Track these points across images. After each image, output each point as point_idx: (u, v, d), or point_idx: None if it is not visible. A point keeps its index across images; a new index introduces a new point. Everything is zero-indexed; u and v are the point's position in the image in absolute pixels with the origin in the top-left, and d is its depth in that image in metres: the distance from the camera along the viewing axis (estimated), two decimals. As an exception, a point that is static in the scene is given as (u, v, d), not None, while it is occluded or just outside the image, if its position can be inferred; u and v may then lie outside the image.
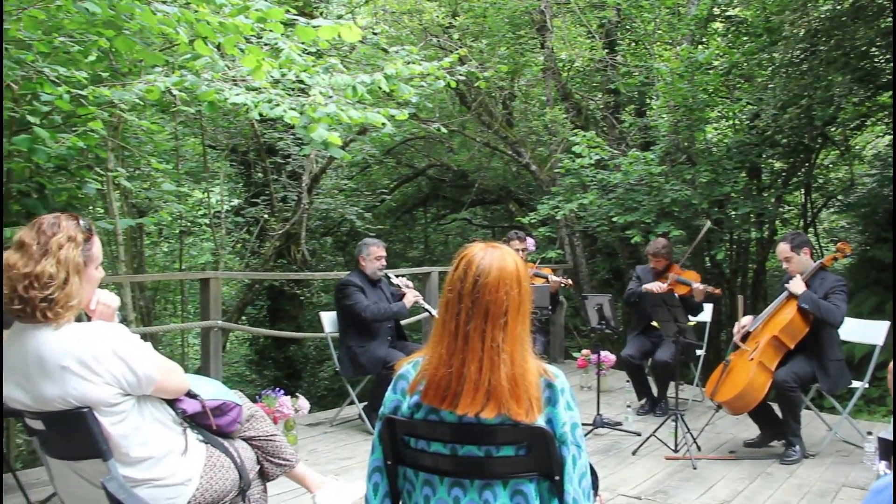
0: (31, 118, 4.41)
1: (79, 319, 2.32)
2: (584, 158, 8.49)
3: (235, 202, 11.45)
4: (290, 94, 4.62)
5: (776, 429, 5.11)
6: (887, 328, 5.10)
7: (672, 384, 5.35)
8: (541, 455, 1.86)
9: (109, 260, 6.93)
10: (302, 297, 11.16)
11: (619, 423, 5.76)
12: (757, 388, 4.80)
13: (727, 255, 9.26)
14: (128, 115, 5.35)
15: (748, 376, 4.79)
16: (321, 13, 9.30)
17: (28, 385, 2.24)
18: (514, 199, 12.82)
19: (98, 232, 2.45)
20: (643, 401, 6.31)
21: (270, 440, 2.90)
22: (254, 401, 4.25)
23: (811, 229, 10.22)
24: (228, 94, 4.31)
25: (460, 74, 6.85)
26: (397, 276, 5.92)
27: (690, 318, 6.28)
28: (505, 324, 1.86)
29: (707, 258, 9.00)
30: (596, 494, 2.06)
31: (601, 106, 11.11)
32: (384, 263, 5.78)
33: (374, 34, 8.54)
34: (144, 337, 2.51)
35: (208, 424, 2.61)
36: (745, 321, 5.15)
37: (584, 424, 4.67)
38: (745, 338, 5.10)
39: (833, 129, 8.95)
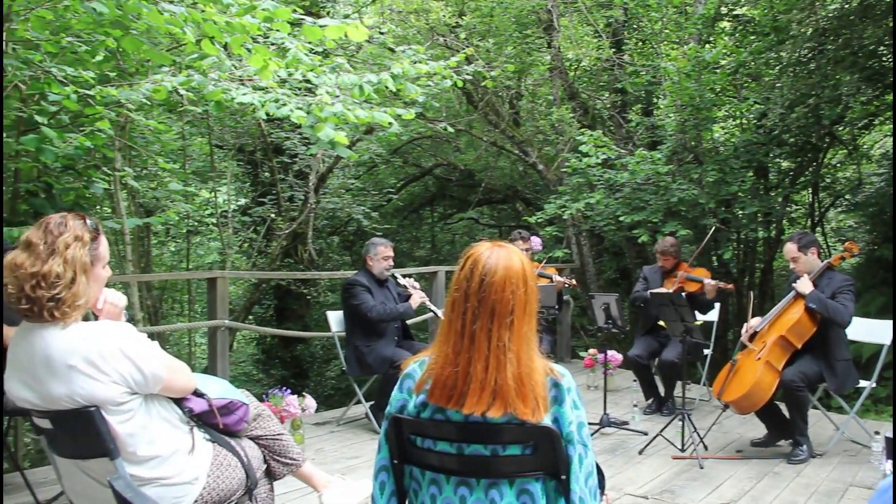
0: (38, 118, 4.43)
1: (86, 318, 2.33)
2: (590, 158, 8.48)
3: (242, 202, 11.47)
4: (296, 94, 4.63)
5: (783, 428, 5.10)
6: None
7: (679, 383, 5.34)
8: (547, 454, 1.86)
9: (116, 259, 6.94)
10: (309, 297, 11.17)
11: (626, 423, 5.75)
12: (764, 387, 4.79)
13: (734, 255, 9.24)
14: (135, 115, 5.36)
15: (755, 376, 4.78)
16: (328, 13, 9.31)
17: (35, 384, 2.25)
18: (520, 198, 12.80)
19: (105, 231, 2.46)
20: (650, 400, 6.30)
21: (277, 439, 2.91)
22: (261, 400, 4.26)
23: (818, 229, 10.19)
24: (235, 93, 4.32)
25: (467, 74, 6.86)
26: (404, 277, 5.92)
27: (699, 316, 6.28)
28: (511, 323, 1.85)
29: (714, 258, 8.98)
30: (602, 494, 2.05)
31: (608, 105, 11.09)
32: (391, 264, 5.78)
33: (381, 34, 8.56)
34: (151, 336, 2.52)
35: (215, 423, 2.61)
36: (754, 322, 5.14)
37: (590, 424, 4.67)
38: (752, 337, 5.09)
39: (841, 129, 8.93)
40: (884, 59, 7.62)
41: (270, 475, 2.90)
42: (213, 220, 10.02)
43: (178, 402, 2.50)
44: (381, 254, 5.69)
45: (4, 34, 4.16)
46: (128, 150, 6.59)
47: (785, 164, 9.38)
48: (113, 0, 3.77)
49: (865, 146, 10.50)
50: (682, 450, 5.05)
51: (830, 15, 7.63)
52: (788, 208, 9.42)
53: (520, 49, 10.45)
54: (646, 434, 5.44)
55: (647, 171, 8.27)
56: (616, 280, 11.51)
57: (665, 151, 8.61)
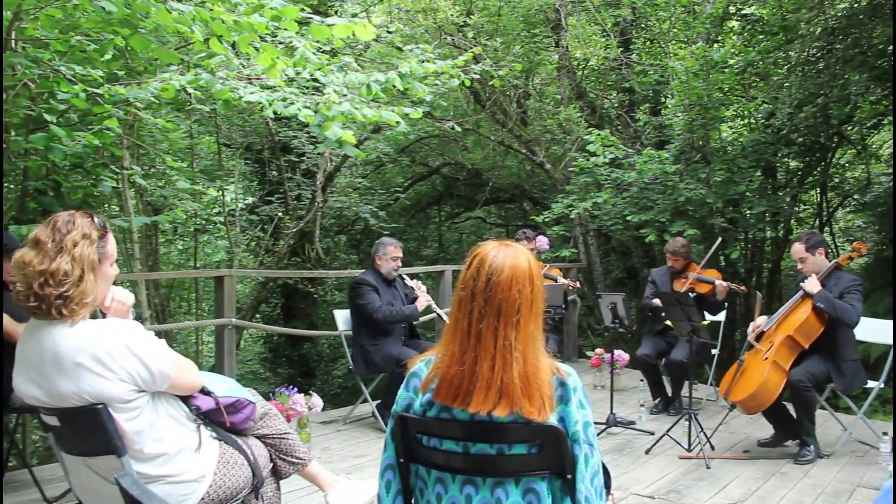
0: (47, 116, 4.45)
1: (94, 316, 2.34)
2: (598, 157, 8.47)
3: (250, 200, 11.49)
4: (304, 93, 4.63)
5: (790, 428, 5.08)
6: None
7: (686, 383, 5.33)
8: (553, 453, 1.86)
9: (124, 257, 6.97)
10: (316, 296, 11.19)
11: (633, 422, 5.74)
12: (771, 387, 4.78)
13: (742, 255, 9.22)
14: (143, 114, 5.39)
15: (762, 376, 4.77)
16: (336, 11, 9.31)
17: (43, 381, 2.26)
18: (528, 197, 12.79)
19: (113, 229, 2.47)
20: (657, 400, 6.29)
21: (284, 438, 2.91)
22: (267, 398, 4.26)
23: (827, 228, 10.15)
24: (243, 92, 4.33)
25: (475, 73, 6.84)
26: (411, 279, 5.93)
27: (709, 316, 6.27)
28: (517, 322, 1.85)
29: (722, 257, 8.95)
30: (608, 493, 2.05)
31: (616, 104, 11.08)
32: (399, 265, 5.79)
33: (389, 32, 8.55)
34: (159, 334, 2.52)
35: (222, 422, 2.62)
36: (760, 321, 5.12)
37: (597, 423, 4.67)
38: (759, 337, 5.07)
39: (849, 128, 8.90)
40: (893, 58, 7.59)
41: (276, 474, 2.90)
42: (221, 219, 10.04)
43: (186, 400, 2.51)
44: (390, 254, 5.70)
45: (14, 33, 4.18)
46: (136, 149, 6.61)
47: (793, 163, 9.35)
48: (121, -1, 3.79)
49: (874, 146, 10.46)
50: (689, 450, 5.04)
51: (839, 14, 7.60)
52: (796, 208, 9.39)
53: (527, 48, 10.44)
54: (652, 434, 5.43)
55: (654, 171, 8.26)
56: (623, 279, 11.50)
57: (673, 151, 8.59)
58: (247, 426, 2.74)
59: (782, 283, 9.85)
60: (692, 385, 5.31)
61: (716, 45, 9.16)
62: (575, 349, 8.98)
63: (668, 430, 5.23)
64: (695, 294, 6.06)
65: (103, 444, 2.27)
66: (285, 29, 4.22)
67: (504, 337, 1.83)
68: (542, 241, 7.52)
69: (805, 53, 8.04)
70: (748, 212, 8.28)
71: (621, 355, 6.95)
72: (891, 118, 8.67)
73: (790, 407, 5.07)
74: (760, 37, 8.47)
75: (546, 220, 9.23)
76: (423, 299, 5.74)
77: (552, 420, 1.85)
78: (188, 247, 11.71)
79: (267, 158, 10.90)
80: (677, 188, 8.12)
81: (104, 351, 2.22)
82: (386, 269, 5.71)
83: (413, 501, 2.01)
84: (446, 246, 15.09)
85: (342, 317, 5.91)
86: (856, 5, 7.46)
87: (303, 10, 4.15)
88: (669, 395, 6.25)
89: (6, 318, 3.87)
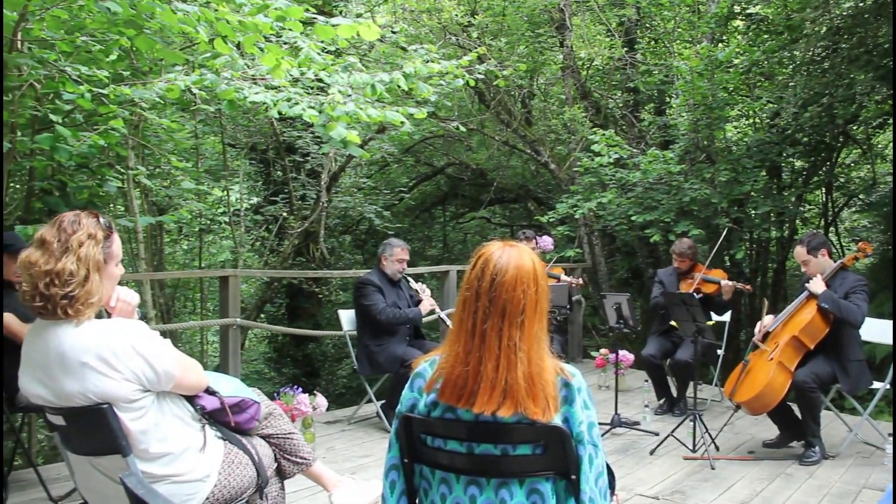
0: (53, 117, 4.45)
1: (99, 316, 2.35)
2: (603, 157, 8.47)
3: (255, 200, 11.50)
4: (309, 93, 4.64)
5: (795, 429, 5.07)
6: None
7: (691, 384, 5.32)
8: (557, 454, 1.86)
9: (129, 257, 6.99)
10: (320, 295, 11.19)
11: (637, 423, 5.74)
12: (776, 388, 4.77)
13: (747, 255, 9.20)
14: (148, 114, 5.40)
15: (767, 376, 4.76)
16: (340, 12, 9.32)
17: (49, 381, 2.26)
18: (532, 197, 12.79)
19: (118, 229, 2.47)
20: (662, 400, 6.28)
21: (288, 438, 2.92)
22: (272, 398, 4.27)
23: (832, 229, 10.13)
24: (248, 92, 4.34)
25: (479, 73, 6.85)
26: (416, 281, 5.93)
27: (715, 316, 6.26)
28: (522, 322, 1.85)
29: (727, 257, 8.94)
30: (613, 494, 2.05)
31: (620, 104, 11.07)
32: (405, 267, 5.79)
33: (393, 33, 8.55)
34: (164, 334, 2.53)
35: (226, 421, 2.62)
36: (766, 321, 5.11)
37: (601, 424, 4.65)
38: (764, 338, 5.06)
39: (855, 128, 8.88)
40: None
41: (281, 474, 2.91)
42: (226, 219, 10.05)
43: (190, 399, 2.52)
44: (396, 255, 5.71)
45: (20, 34, 4.19)
46: (141, 149, 6.63)
47: (798, 163, 9.33)
48: (127, 0, 3.79)
49: (880, 145, 10.43)
50: (694, 450, 5.03)
51: (845, 13, 7.59)
52: (801, 208, 9.37)
53: (532, 48, 10.44)
54: (657, 434, 5.43)
55: (659, 171, 8.25)
56: (628, 280, 11.49)
57: (677, 151, 8.58)
58: (251, 426, 2.75)
59: (787, 283, 9.83)
60: (697, 386, 5.31)
61: (720, 44, 9.14)
62: (579, 349, 8.97)
63: (672, 431, 5.22)
64: (701, 294, 6.05)
65: (108, 444, 2.28)
66: (290, 29, 4.22)
67: (508, 337, 1.83)
68: (547, 241, 7.52)
69: (810, 53, 8.03)
70: (753, 212, 8.27)
71: (626, 356, 6.94)
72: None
73: (795, 408, 5.06)
74: (765, 36, 8.46)
75: (550, 220, 9.23)
76: (427, 303, 5.75)
77: (556, 421, 1.85)
78: (193, 247, 11.73)
79: (272, 158, 10.91)
80: (682, 188, 8.11)
81: (109, 351, 2.23)
82: (391, 271, 5.71)
83: (417, 502, 2.01)
84: (451, 246, 15.09)
85: (347, 317, 5.92)
86: (861, 4, 7.44)
87: (307, 10, 4.16)
88: (674, 395, 6.24)
89: (13, 318, 3.89)
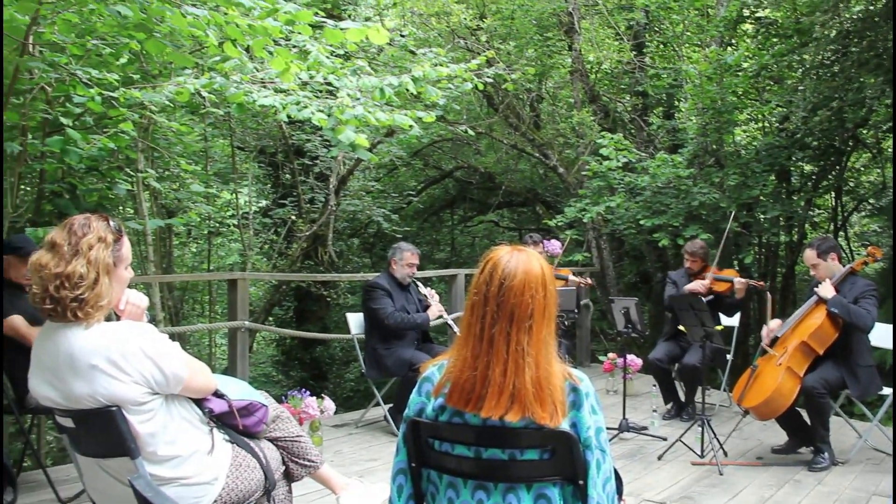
0: (63, 120, 4.48)
1: (108, 319, 2.35)
2: (611, 161, 8.46)
3: (263, 203, 11.53)
4: (318, 96, 4.65)
5: (804, 435, 5.05)
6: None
7: (699, 389, 5.31)
8: (565, 459, 1.85)
9: (139, 260, 7.01)
10: (328, 299, 11.21)
11: (645, 428, 5.72)
12: (785, 393, 4.74)
13: (756, 259, 9.17)
14: (158, 117, 5.42)
15: (776, 382, 4.74)
16: (349, 15, 9.35)
17: (58, 383, 2.27)
18: (541, 201, 12.78)
19: (127, 232, 2.48)
20: (669, 405, 6.26)
21: (296, 441, 2.92)
22: (280, 401, 4.27)
23: (841, 233, 10.09)
24: (257, 95, 4.35)
25: (488, 76, 6.84)
26: (425, 285, 5.94)
27: (724, 321, 6.23)
28: (530, 327, 1.85)
29: (735, 262, 8.92)
30: (620, 499, 2.04)
31: (629, 108, 11.06)
32: (415, 271, 5.80)
33: (402, 36, 8.58)
34: (172, 337, 2.54)
35: (235, 424, 2.63)
36: (774, 325, 5.09)
37: (609, 428, 4.64)
38: (772, 343, 5.04)
39: (865, 132, 8.84)
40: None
41: (289, 477, 2.91)
42: (234, 222, 10.09)
43: (199, 402, 2.52)
44: (406, 259, 5.71)
45: (31, 37, 4.22)
46: (150, 152, 6.66)
47: (807, 167, 9.29)
48: (137, 3, 3.81)
49: (890, 149, 10.37)
50: (702, 456, 5.01)
51: (855, 17, 7.56)
52: (811, 212, 9.34)
53: (541, 52, 10.44)
54: (665, 439, 5.41)
55: (667, 175, 8.24)
56: (636, 284, 11.46)
57: (686, 155, 8.57)
58: (259, 429, 2.75)
59: (796, 287, 9.80)
60: (705, 391, 5.29)
61: (729, 48, 9.13)
62: (587, 354, 8.96)
63: (680, 436, 5.21)
64: (712, 296, 6.04)
65: (117, 446, 2.29)
66: (299, 33, 4.23)
67: (517, 342, 1.83)
68: (555, 245, 7.52)
69: (820, 56, 8.00)
70: (762, 216, 8.25)
71: (634, 360, 6.93)
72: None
73: (804, 413, 5.03)
74: (774, 40, 8.44)
75: (559, 224, 9.22)
76: (436, 308, 5.75)
77: (564, 425, 1.84)
78: (202, 249, 11.77)
79: (280, 161, 10.94)
80: (691, 192, 8.09)
81: (118, 353, 2.24)
82: (401, 275, 5.72)
83: (424, 506, 2.01)
84: (459, 249, 15.09)
85: (355, 320, 5.92)
86: (871, 8, 7.41)
87: (316, 13, 4.17)
88: (682, 400, 6.22)
89: (21, 320, 3.92)
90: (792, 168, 9.05)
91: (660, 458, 5.08)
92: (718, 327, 5.42)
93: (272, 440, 2.85)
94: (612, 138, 8.61)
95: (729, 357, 6.34)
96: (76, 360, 2.23)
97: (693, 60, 9.62)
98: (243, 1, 3.81)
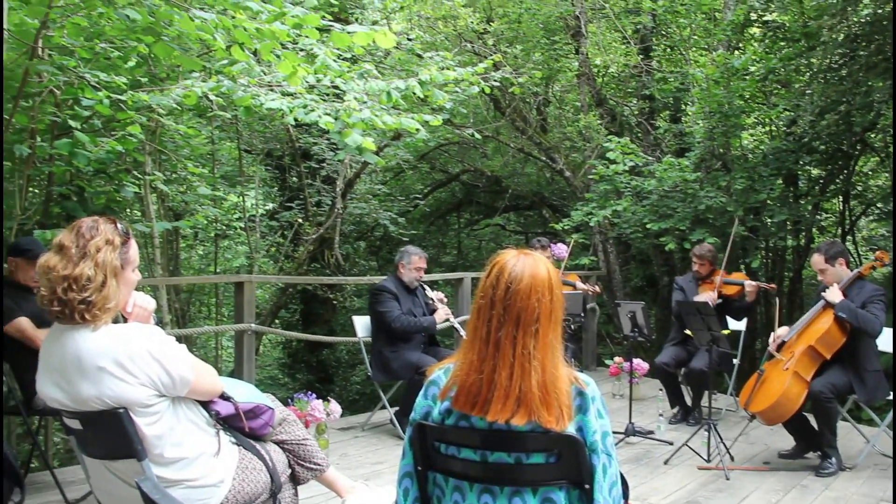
0: (72, 122, 4.50)
1: (115, 321, 2.36)
2: (618, 165, 8.45)
3: (270, 206, 11.55)
4: (325, 100, 4.67)
5: (812, 440, 5.03)
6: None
7: (706, 393, 5.30)
8: (571, 463, 1.85)
9: (146, 262, 7.03)
10: (335, 302, 11.22)
11: (652, 432, 5.71)
12: (792, 398, 4.73)
13: (763, 264, 9.14)
14: (165, 120, 5.44)
15: (783, 386, 4.72)
16: (356, 19, 9.36)
17: (66, 385, 2.28)
18: (547, 204, 12.78)
19: (135, 235, 2.49)
20: (676, 409, 6.25)
21: (302, 444, 2.92)
22: (286, 404, 4.28)
23: (849, 237, 10.05)
24: (264, 99, 4.37)
25: (494, 80, 6.86)
26: (432, 289, 5.94)
27: (731, 324, 6.22)
28: (536, 331, 1.85)
29: (742, 266, 8.90)
30: (626, 503, 2.04)
31: (636, 112, 11.05)
32: (422, 275, 5.81)
33: (409, 40, 8.59)
34: (179, 339, 2.54)
35: (241, 427, 2.63)
36: (781, 332, 5.07)
37: (615, 433, 4.64)
38: (779, 347, 5.03)
39: (873, 136, 8.81)
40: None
41: (295, 479, 2.91)
42: (241, 225, 10.11)
43: (205, 405, 2.53)
44: (414, 263, 5.72)
45: (41, 41, 4.24)
46: (158, 155, 6.68)
47: (815, 171, 9.26)
48: (146, 7, 3.83)
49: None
50: (708, 460, 5.00)
51: (862, 21, 7.54)
52: (818, 216, 9.30)
53: (547, 55, 10.44)
54: (671, 444, 5.40)
55: (674, 179, 8.22)
56: (643, 288, 11.44)
57: (693, 158, 8.55)
58: (265, 431, 2.76)
59: (804, 292, 9.76)
60: (711, 395, 5.28)
61: (737, 52, 9.11)
62: (594, 358, 8.94)
63: (687, 441, 5.19)
64: (721, 299, 6.03)
65: (124, 448, 2.29)
66: (306, 36, 4.25)
67: (523, 346, 1.83)
68: (561, 249, 7.51)
69: (827, 60, 7.98)
70: (769, 220, 8.22)
71: (640, 364, 6.92)
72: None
73: (811, 418, 5.01)
74: (782, 44, 8.42)
75: (565, 227, 9.22)
76: (443, 312, 5.76)
77: (570, 429, 1.85)
78: (209, 252, 11.80)
79: (287, 165, 10.96)
80: (697, 196, 8.08)
81: (126, 355, 2.24)
82: (408, 278, 5.72)
83: (430, 509, 2.01)
84: (465, 253, 15.10)
85: (361, 323, 5.93)
86: (879, 11, 7.39)
87: (324, 17, 4.18)
88: (688, 404, 6.21)
89: (28, 322, 3.93)
90: (799, 172, 9.02)
91: (666, 462, 5.07)
92: (725, 332, 5.41)
93: (278, 443, 2.85)
94: (618, 142, 8.60)
95: (736, 361, 6.32)
96: (83, 362, 2.24)
97: (700, 64, 9.60)
98: (251, 5, 3.82)
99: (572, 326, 6.80)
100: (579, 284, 7.39)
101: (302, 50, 4.61)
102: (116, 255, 2.32)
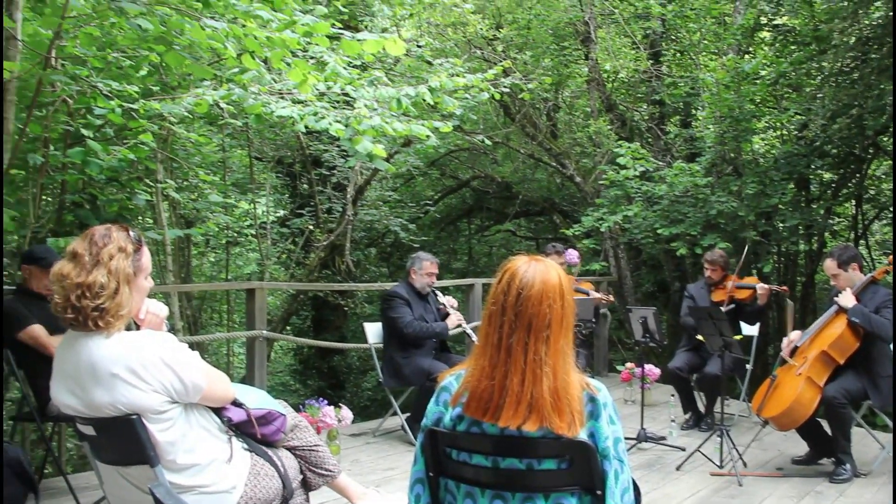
0: (84, 131, 4.54)
1: (128, 328, 2.38)
2: (628, 170, 8.44)
3: (281, 213, 11.58)
4: (335, 107, 4.68)
5: (825, 446, 4.99)
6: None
7: (719, 398, 5.27)
8: (583, 469, 1.85)
9: (158, 270, 7.06)
10: (346, 308, 11.23)
11: (664, 438, 5.69)
12: (805, 403, 4.70)
13: (775, 268, 9.10)
14: (177, 128, 5.48)
15: (796, 392, 4.70)
16: (366, 27, 9.40)
17: (80, 391, 2.30)
18: (558, 210, 12.77)
19: (147, 242, 2.51)
20: (688, 415, 6.22)
21: (314, 450, 2.93)
22: (297, 410, 4.29)
23: (862, 241, 9.99)
24: (275, 106, 4.39)
25: (504, 86, 6.87)
26: (444, 295, 5.94)
27: (745, 329, 6.19)
28: (548, 337, 1.85)
29: (754, 271, 8.86)
30: (639, 510, 2.04)
31: (646, 117, 11.03)
32: (434, 281, 5.81)
33: (419, 47, 8.61)
34: (191, 346, 2.56)
35: (253, 433, 2.64)
36: (794, 336, 5.05)
37: (627, 438, 4.62)
38: (792, 352, 5.00)
39: (885, 139, 8.76)
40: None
41: (306, 485, 2.92)
42: (252, 232, 10.15)
43: (217, 411, 2.54)
44: (425, 269, 5.73)
45: (54, 51, 4.27)
46: (169, 163, 6.72)
47: (827, 175, 9.22)
48: (157, 17, 3.86)
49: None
50: (721, 466, 4.97)
51: (874, 23, 7.51)
52: (831, 221, 9.25)
53: (557, 61, 10.45)
54: (683, 450, 5.37)
55: (685, 184, 8.21)
56: (654, 293, 11.40)
57: (704, 163, 8.53)
58: (277, 438, 2.76)
59: (816, 296, 9.70)
60: (724, 400, 5.25)
61: (747, 56, 9.09)
62: (605, 363, 8.92)
63: (699, 447, 5.17)
64: (733, 304, 6.00)
65: (137, 454, 2.31)
66: (316, 44, 4.27)
67: (534, 352, 1.83)
68: (573, 255, 7.50)
69: (839, 64, 7.95)
70: (781, 225, 8.19)
71: (652, 370, 6.89)
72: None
73: (825, 424, 4.98)
74: (793, 47, 8.40)
75: (576, 233, 9.21)
76: (455, 318, 5.75)
77: (582, 435, 1.84)
78: (220, 259, 11.84)
79: (298, 172, 11.00)
80: (708, 201, 8.06)
81: (138, 362, 2.26)
82: (420, 284, 5.73)
83: (442, 515, 2.01)
84: (476, 259, 15.09)
85: (372, 329, 5.93)
86: (891, 14, 7.36)
87: (334, 25, 4.20)
88: (701, 410, 6.18)
89: (41, 329, 3.96)
90: (811, 176, 8.99)
91: (678, 468, 5.05)
92: (738, 337, 5.39)
93: (290, 449, 2.86)
94: (629, 147, 8.59)
95: (748, 367, 6.29)
96: (97, 369, 2.25)
97: (710, 69, 9.59)
98: (261, 13, 3.85)
99: (584, 332, 6.78)
100: (593, 293, 7.37)
101: (312, 58, 4.63)
102: (129, 263, 2.33)
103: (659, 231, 8.32)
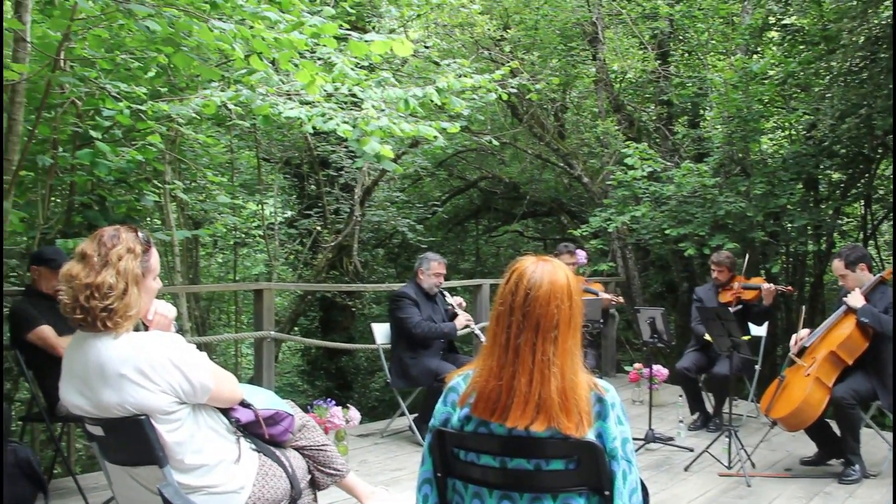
0: (93, 133, 4.56)
1: (136, 329, 2.39)
2: (636, 170, 8.43)
3: (289, 214, 11.61)
4: (342, 108, 4.69)
5: (834, 447, 4.97)
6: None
7: (727, 399, 5.26)
8: (590, 469, 1.85)
9: (166, 270, 7.08)
10: (354, 309, 11.25)
11: (672, 439, 5.68)
12: (813, 404, 4.68)
13: (783, 269, 9.07)
14: (185, 129, 5.49)
15: (804, 392, 4.68)
16: (373, 28, 9.41)
17: (88, 392, 2.30)
18: (565, 211, 12.76)
19: (155, 243, 2.51)
20: (696, 416, 6.20)
21: (322, 450, 2.93)
22: (305, 411, 4.29)
23: (871, 242, 9.95)
24: (282, 107, 4.40)
25: (512, 87, 6.86)
26: (452, 296, 5.94)
27: (753, 330, 6.17)
28: (555, 337, 1.85)
29: (763, 272, 8.83)
30: (647, 510, 2.03)
31: (654, 117, 11.00)
32: (442, 281, 5.81)
33: (426, 47, 8.61)
34: (199, 346, 2.56)
35: (261, 433, 2.65)
36: (803, 333, 5.03)
37: (635, 439, 4.61)
38: (800, 353, 4.98)
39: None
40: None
41: (314, 485, 2.92)
42: (260, 233, 10.16)
43: (225, 412, 2.54)
44: (433, 269, 5.73)
45: (63, 53, 4.29)
46: (177, 164, 6.74)
47: (835, 175, 9.19)
48: (165, 18, 3.87)
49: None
50: (729, 467, 4.96)
51: (883, 23, 7.48)
52: (839, 221, 9.22)
53: (564, 62, 10.44)
54: (692, 450, 5.36)
55: (693, 184, 8.19)
56: (662, 294, 11.38)
57: (712, 164, 8.51)
58: (285, 438, 2.77)
59: (825, 297, 9.66)
60: (732, 401, 5.24)
61: (755, 56, 9.05)
62: (613, 364, 8.90)
63: (707, 447, 5.16)
64: (740, 305, 5.99)
65: (145, 455, 2.31)
66: (324, 45, 4.28)
67: (542, 352, 1.83)
68: (581, 255, 7.49)
69: (847, 63, 7.92)
70: (789, 225, 8.16)
71: (660, 370, 6.87)
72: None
73: (834, 424, 4.96)
74: (801, 47, 8.37)
75: (584, 233, 9.20)
76: (463, 318, 5.76)
77: (590, 436, 1.84)
78: (228, 260, 11.87)
79: (306, 173, 11.02)
80: (717, 201, 8.04)
81: (147, 363, 2.27)
82: (428, 285, 5.73)
83: (450, 515, 2.01)
84: (484, 259, 15.08)
85: (380, 330, 5.94)
86: (899, 14, 7.34)
87: (341, 26, 4.21)
88: (709, 411, 6.16)
89: (50, 330, 3.98)
90: (820, 176, 8.96)
91: (686, 469, 5.04)
92: (746, 338, 5.37)
93: (298, 449, 2.86)
94: (636, 147, 8.58)
95: (757, 367, 6.28)
96: (106, 370, 2.26)
97: (718, 69, 9.56)
98: (269, 15, 3.86)
99: (592, 332, 6.77)
100: (602, 294, 7.36)
101: (320, 59, 4.64)
102: (138, 264, 2.34)
103: (667, 231, 8.30)
